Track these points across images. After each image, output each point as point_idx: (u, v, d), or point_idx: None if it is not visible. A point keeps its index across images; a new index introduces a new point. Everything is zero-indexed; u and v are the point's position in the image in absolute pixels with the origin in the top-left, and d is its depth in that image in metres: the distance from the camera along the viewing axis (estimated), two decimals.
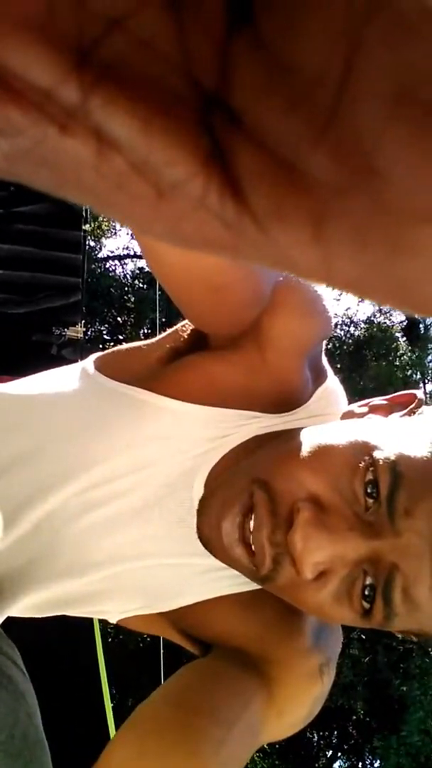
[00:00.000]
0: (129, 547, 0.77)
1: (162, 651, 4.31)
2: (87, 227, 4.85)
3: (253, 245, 0.16)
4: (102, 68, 0.13)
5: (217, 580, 0.78)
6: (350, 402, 0.81)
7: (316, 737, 8.68)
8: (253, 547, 0.65)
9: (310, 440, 0.66)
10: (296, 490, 0.63)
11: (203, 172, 0.14)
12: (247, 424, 0.75)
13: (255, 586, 0.77)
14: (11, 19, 0.13)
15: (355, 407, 0.76)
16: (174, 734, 0.63)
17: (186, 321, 0.78)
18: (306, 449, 0.65)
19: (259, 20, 0.13)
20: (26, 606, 0.80)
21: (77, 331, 4.10)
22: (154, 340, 0.83)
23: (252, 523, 0.65)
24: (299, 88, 0.13)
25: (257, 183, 0.14)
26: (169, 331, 0.82)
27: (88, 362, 0.83)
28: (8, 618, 0.82)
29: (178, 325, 0.80)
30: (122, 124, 0.14)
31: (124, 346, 0.86)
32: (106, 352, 0.86)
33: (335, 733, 8.73)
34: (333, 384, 0.78)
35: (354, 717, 8.43)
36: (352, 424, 0.69)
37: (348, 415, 0.75)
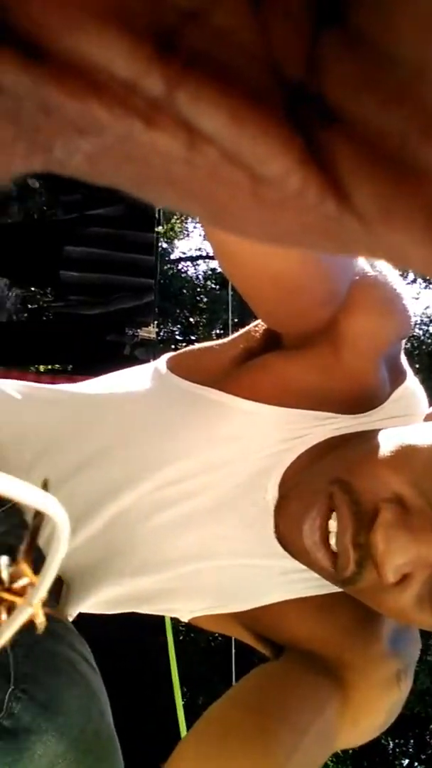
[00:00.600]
0: (201, 547, 0.77)
1: (234, 650, 4.32)
2: (160, 229, 4.91)
3: (357, 241, 0.15)
4: (186, 59, 0.13)
5: (291, 582, 0.77)
6: (430, 404, 0.79)
7: (391, 745, 8.55)
8: (334, 550, 0.63)
9: (392, 440, 0.65)
10: (379, 490, 0.62)
11: (300, 168, 0.14)
12: (322, 425, 0.74)
13: (330, 588, 0.76)
14: (87, 7, 0.12)
15: None
16: (244, 739, 0.62)
17: (259, 321, 0.77)
18: (388, 449, 0.64)
19: (351, 11, 0.12)
20: (98, 602, 0.81)
21: (150, 331, 4.15)
22: (226, 340, 0.83)
23: (333, 524, 0.64)
24: (401, 80, 0.13)
25: (361, 181, 0.14)
26: (241, 331, 0.82)
27: (161, 362, 0.84)
28: (80, 615, 0.83)
29: (251, 325, 0.80)
30: (211, 118, 0.13)
31: (197, 346, 0.86)
32: (179, 352, 0.86)
33: (411, 741, 8.57)
34: (412, 385, 0.76)
35: (431, 725, 8.26)
36: None
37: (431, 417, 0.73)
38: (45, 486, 0.25)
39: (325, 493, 0.65)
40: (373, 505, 0.61)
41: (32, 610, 0.26)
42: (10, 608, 0.26)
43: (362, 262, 0.66)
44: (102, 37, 0.13)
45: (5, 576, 0.26)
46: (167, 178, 0.15)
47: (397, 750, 8.61)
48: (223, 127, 0.13)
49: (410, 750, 8.65)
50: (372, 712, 0.72)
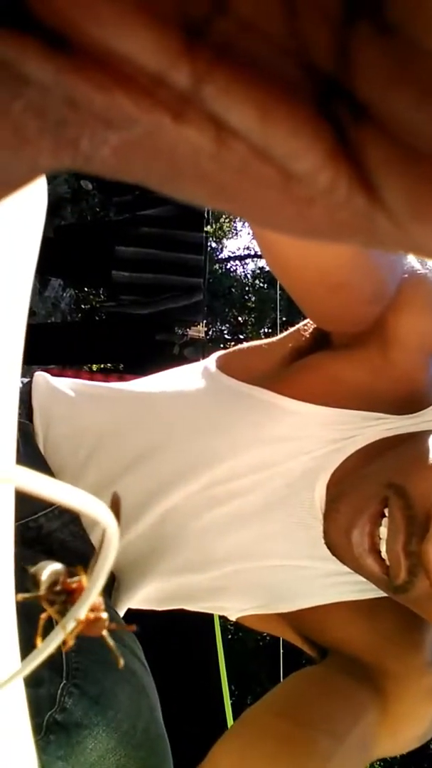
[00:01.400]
0: (249, 546, 0.77)
1: (281, 650, 4.30)
2: (209, 228, 4.92)
3: (388, 237, 0.15)
4: (214, 51, 0.13)
5: (338, 585, 0.77)
6: None
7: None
8: (384, 556, 0.63)
9: None
10: None
11: (330, 165, 0.13)
12: (372, 426, 0.73)
13: (375, 593, 0.75)
14: None
15: None
16: (279, 743, 0.62)
17: (307, 320, 0.77)
18: None
19: (385, 3, 0.12)
20: (146, 598, 0.82)
21: (199, 330, 4.16)
22: (275, 339, 0.83)
23: (383, 530, 0.62)
24: None
25: (393, 179, 0.13)
26: (290, 330, 0.82)
27: (210, 361, 0.84)
28: (131, 612, 0.83)
29: (300, 324, 0.79)
30: (240, 113, 0.13)
31: (246, 345, 0.86)
32: (228, 351, 0.86)
33: None
34: None
35: None
36: None
37: None
38: (116, 503, 0.25)
39: (377, 497, 0.64)
40: (427, 512, 0.60)
41: (80, 617, 0.27)
42: (62, 610, 0.27)
43: (411, 260, 0.65)
44: (128, 28, 0.12)
45: (59, 581, 0.27)
46: (196, 174, 0.15)
47: None
48: (252, 121, 0.13)
49: None
50: (412, 722, 0.71)
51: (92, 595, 0.26)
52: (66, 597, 0.28)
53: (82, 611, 0.27)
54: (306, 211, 0.15)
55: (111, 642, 0.29)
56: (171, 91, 0.13)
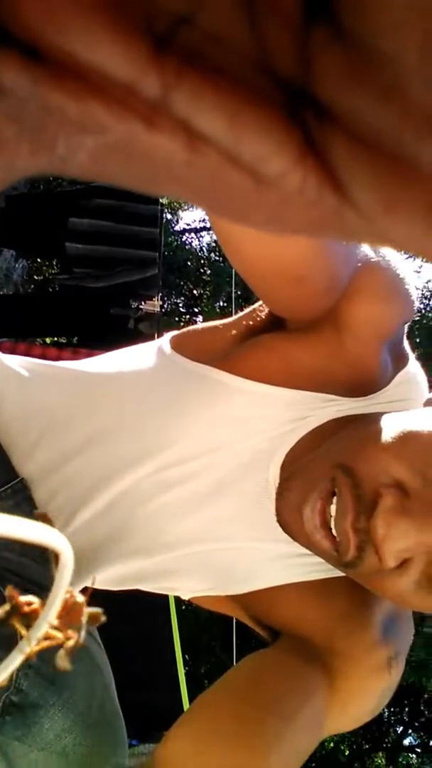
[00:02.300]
0: (200, 530, 0.78)
1: (234, 620, 4.36)
2: (164, 201, 4.87)
3: (360, 231, 0.16)
4: (181, 60, 0.13)
5: (289, 567, 0.78)
6: (429, 380, 0.79)
7: (386, 713, 8.67)
8: (334, 533, 0.64)
9: (394, 426, 0.65)
10: (380, 475, 0.62)
11: (299, 166, 0.14)
12: (325, 407, 0.74)
13: (326, 574, 0.76)
14: (79, 10, 0.12)
15: None
16: (233, 727, 0.63)
17: None
18: (390, 434, 0.64)
19: (337, 8, 0.12)
20: (101, 580, 0.82)
21: (154, 304, 4.14)
22: (231, 319, 0.83)
23: (334, 507, 0.64)
24: (388, 77, 0.13)
25: (359, 177, 0.14)
26: (246, 310, 0.82)
27: (165, 341, 0.84)
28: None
29: (256, 305, 0.80)
30: (209, 120, 0.13)
31: (201, 325, 0.86)
32: (182, 331, 0.86)
33: (406, 710, 8.69)
34: (414, 369, 0.76)
35: (425, 695, 8.36)
36: None
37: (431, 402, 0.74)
38: (44, 519, 0.26)
39: (327, 476, 0.65)
40: (374, 491, 0.62)
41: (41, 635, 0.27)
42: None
43: (365, 248, 0.66)
44: (96, 41, 0.13)
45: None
46: (170, 178, 0.15)
47: (392, 718, 8.74)
48: (221, 127, 0.14)
49: (404, 718, 8.78)
50: (360, 698, 0.73)
51: (51, 614, 0.27)
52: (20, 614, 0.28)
53: (40, 631, 0.27)
54: (280, 211, 0.15)
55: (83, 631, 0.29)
56: (142, 99, 0.13)
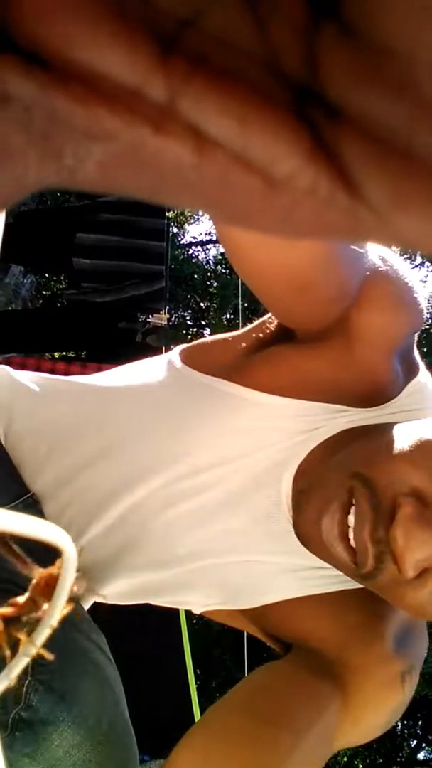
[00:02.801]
0: (214, 542, 0.77)
1: (246, 634, 4.33)
2: (170, 214, 4.88)
3: (372, 231, 0.15)
4: (187, 64, 0.13)
5: (301, 580, 0.77)
6: None
7: (399, 726, 8.59)
8: (353, 544, 0.64)
9: (410, 434, 0.65)
10: (398, 484, 0.62)
11: (310, 166, 0.14)
12: (336, 418, 0.74)
13: (338, 587, 0.76)
14: (84, 16, 0.12)
15: None
16: (241, 741, 0.63)
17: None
18: (407, 443, 0.64)
19: (345, 8, 0.12)
20: (110, 594, 0.82)
21: (161, 318, 4.14)
22: (240, 331, 0.83)
23: (352, 518, 0.64)
24: (399, 73, 0.13)
25: (372, 174, 0.14)
26: (255, 322, 0.82)
27: (174, 354, 0.84)
28: (95, 604, 0.83)
29: (265, 317, 0.80)
30: (218, 122, 0.13)
31: (210, 338, 0.86)
32: (192, 344, 0.86)
33: (420, 723, 8.60)
34: (425, 378, 0.76)
35: None
36: None
37: None
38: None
39: (344, 487, 0.65)
40: (392, 500, 0.61)
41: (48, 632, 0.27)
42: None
43: (373, 257, 0.66)
44: (101, 47, 0.13)
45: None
46: (180, 184, 0.15)
47: (406, 732, 8.65)
48: (229, 130, 0.13)
49: (418, 732, 8.69)
50: (373, 713, 0.72)
51: (56, 614, 0.27)
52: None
53: (43, 635, 0.27)
54: (291, 213, 0.15)
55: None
56: (150, 104, 0.13)
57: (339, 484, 0.66)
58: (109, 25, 0.13)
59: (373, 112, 0.13)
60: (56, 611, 0.27)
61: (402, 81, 0.13)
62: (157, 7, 0.13)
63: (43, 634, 0.27)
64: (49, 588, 0.27)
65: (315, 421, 0.74)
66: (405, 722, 8.58)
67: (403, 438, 0.65)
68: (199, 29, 0.13)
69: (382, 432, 0.68)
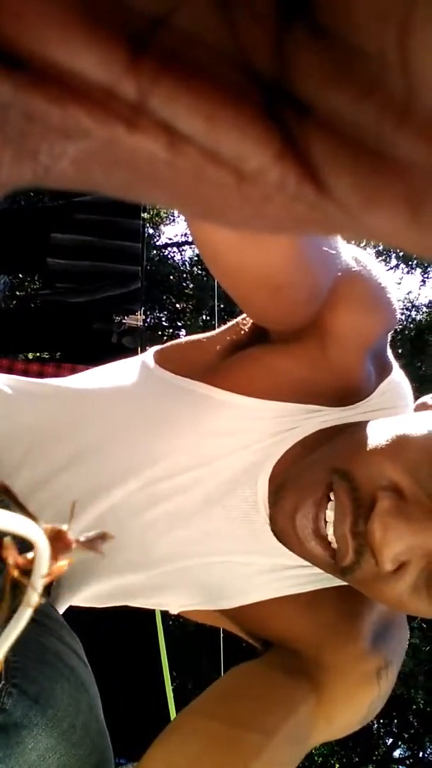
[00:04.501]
0: (191, 544, 0.77)
1: (222, 634, 4.35)
2: (146, 215, 4.88)
3: (341, 225, 0.16)
4: (157, 62, 0.13)
5: (279, 580, 0.78)
6: (413, 389, 0.79)
7: (375, 725, 8.65)
8: (329, 539, 0.64)
9: (388, 430, 0.66)
10: (377, 478, 0.62)
11: (278, 163, 0.14)
12: (310, 418, 0.74)
13: (315, 586, 0.76)
14: (56, 16, 0.13)
15: (428, 399, 0.75)
16: (209, 744, 0.63)
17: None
18: (384, 438, 0.64)
19: (315, 7, 0.12)
20: (87, 597, 0.81)
21: (137, 319, 4.14)
22: (214, 332, 0.83)
23: (330, 513, 0.64)
24: (368, 72, 0.13)
25: (338, 172, 0.14)
26: (229, 323, 0.82)
27: (148, 356, 0.84)
28: (71, 608, 0.83)
29: (239, 318, 0.80)
30: (188, 119, 0.14)
31: (184, 339, 0.86)
32: (166, 345, 0.86)
33: (395, 722, 8.67)
34: (398, 377, 0.77)
35: (414, 706, 8.36)
36: (428, 415, 0.68)
37: (422, 407, 0.74)
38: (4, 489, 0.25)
39: (322, 483, 0.65)
40: (371, 494, 0.62)
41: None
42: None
43: (347, 258, 0.66)
44: (73, 47, 0.13)
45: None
46: (154, 180, 0.15)
47: (381, 730, 8.72)
48: (199, 127, 0.14)
49: (393, 730, 8.77)
50: (348, 709, 0.72)
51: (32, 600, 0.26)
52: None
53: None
54: (262, 208, 0.15)
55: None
56: (122, 102, 0.14)
57: (316, 480, 0.66)
58: (81, 25, 0.13)
59: (342, 111, 0.13)
60: (30, 604, 0.26)
61: (371, 81, 0.13)
62: (129, 6, 0.13)
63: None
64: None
65: (290, 422, 0.74)
66: (381, 721, 8.65)
67: (381, 433, 0.65)
68: (170, 28, 0.13)
69: (358, 429, 0.69)
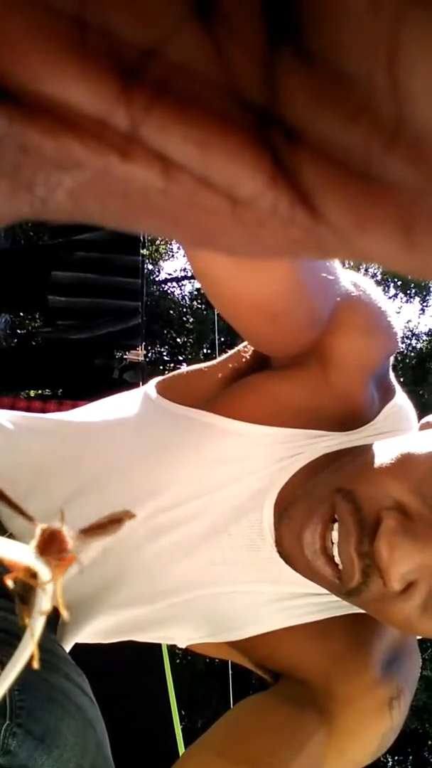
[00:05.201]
0: (195, 575, 0.76)
1: (230, 671, 4.28)
2: (144, 251, 4.93)
3: (335, 248, 0.16)
4: (148, 93, 0.13)
5: (287, 609, 0.76)
6: (418, 418, 0.79)
7: (390, 762, 8.47)
8: (336, 560, 0.63)
9: (390, 449, 0.65)
10: (381, 497, 0.62)
11: (270, 188, 0.14)
12: (314, 443, 0.74)
13: (323, 614, 0.75)
14: (47, 49, 0.13)
15: None
16: None
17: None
18: (388, 458, 0.64)
19: (302, 33, 0.13)
20: (94, 632, 0.80)
21: (138, 354, 4.16)
22: (215, 361, 0.83)
23: (335, 534, 0.63)
24: (356, 96, 0.13)
25: (329, 196, 0.14)
26: (230, 352, 0.82)
27: (150, 387, 0.83)
28: (77, 645, 0.82)
29: (240, 346, 0.80)
30: (180, 148, 0.14)
31: (185, 369, 0.86)
32: (168, 376, 0.86)
33: (410, 758, 8.50)
34: (401, 401, 0.76)
35: (430, 741, 8.20)
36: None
37: (426, 426, 0.74)
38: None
39: (326, 502, 0.64)
40: (376, 514, 0.61)
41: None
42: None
43: (346, 283, 0.66)
44: (63, 77, 0.13)
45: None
46: (149, 209, 0.15)
47: (396, 767, 8.54)
48: (192, 155, 0.14)
49: (409, 766, 8.59)
50: (359, 742, 0.71)
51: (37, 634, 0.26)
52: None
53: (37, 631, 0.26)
54: (256, 233, 0.15)
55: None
56: (115, 132, 0.14)
57: (321, 500, 0.66)
58: (72, 57, 0.13)
59: (331, 135, 0.13)
60: (34, 638, 0.26)
61: (359, 105, 0.13)
62: (119, 38, 0.13)
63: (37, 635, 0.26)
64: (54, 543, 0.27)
65: (294, 448, 0.74)
66: (395, 758, 8.48)
67: (384, 453, 0.65)
68: (160, 59, 0.13)
69: (362, 450, 0.69)
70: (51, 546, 0.26)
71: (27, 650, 0.27)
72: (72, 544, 0.26)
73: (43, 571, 0.24)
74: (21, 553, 0.23)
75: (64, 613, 0.27)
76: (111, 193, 0.15)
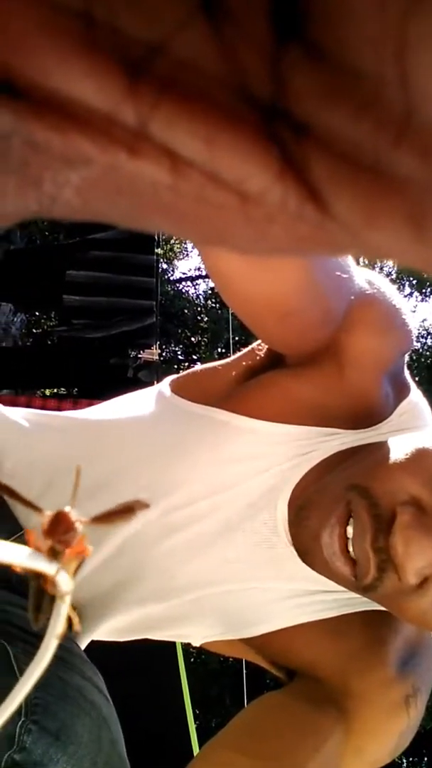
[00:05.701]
0: (210, 572, 0.76)
1: (245, 670, 4.28)
2: (159, 250, 4.94)
3: (344, 244, 0.16)
4: (155, 89, 0.13)
5: (301, 606, 0.76)
6: None
7: (405, 763, 8.44)
8: (353, 557, 0.63)
9: (405, 445, 0.65)
10: (396, 493, 0.62)
11: (279, 183, 0.14)
12: (328, 441, 0.74)
13: (338, 611, 0.75)
14: (55, 45, 0.13)
15: None
16: None
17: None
18: (403, 453, 0.64)
19: (309, 29, 0.13)
20: (109, 630, 0.80)
21: (152, 353, 4.16)
22: (230, 359, 0.83)
23: (349, 530, 0.63)
24: (364, 91, 0.13)
25: (338, 191, 0.14)
26: (245, 350, 0.82)
27: (164, 385, 0.84)
28: (90, 641, 0.82)
29: (254, 344, 0.80)
30: (188, 143, 0.14)
31: (200, 367, 0.86)
32: (182, 374, 0.86)
33: (425, 759, 8.46)
34: (416, 398, 0.76)
35: None
36: None
37: None
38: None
39: (342, 500, 0.65)
40: (391, 509, 0.61)
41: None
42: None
43: (360, 281, 0.66)
44: (71, 73, 0.13)
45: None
46: (158, 206, 0.15)
47: None
48: (200, 151, 0.14)
49: (423, 767, 8.55)
50: (376, 741, 0.71)
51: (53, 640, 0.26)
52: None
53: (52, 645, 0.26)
54: (265, 229, 0.15)
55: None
56: (123, 128, 0.14)
57: (336, 498, 0.66)
58: (80, 53, 0.13)
59: (339, 129, 0.13)
60: (51, 645, 0.26)
61: (368, 99, 0.13)
62: (126, 34, 0.13)
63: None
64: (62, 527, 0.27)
65: (308, 445, 0.74)
66: (410, 759, 8.44)
67: (399, 448, 0.65)
68: (167, 54, 0.13)
69: (377, 447, 0.69)
70: (58, 527, 0.26)
71: (46, 656, 0.27)
72: (79, 527, 0.26)
73: (53, 571, 0.24)
74: (34, 560, 0.23)
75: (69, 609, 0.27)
76: (119, 190, 0.15)
